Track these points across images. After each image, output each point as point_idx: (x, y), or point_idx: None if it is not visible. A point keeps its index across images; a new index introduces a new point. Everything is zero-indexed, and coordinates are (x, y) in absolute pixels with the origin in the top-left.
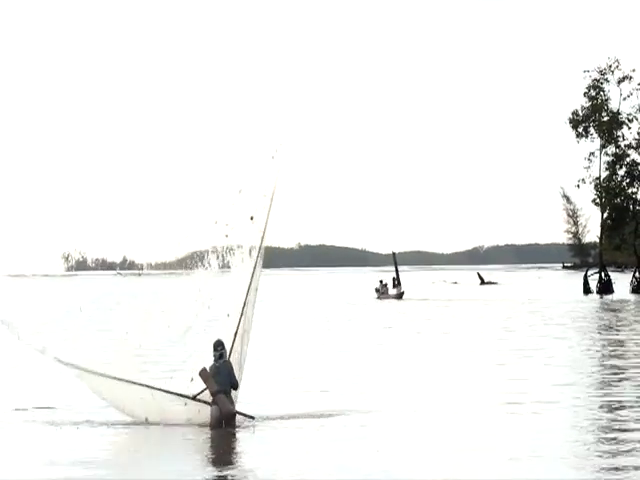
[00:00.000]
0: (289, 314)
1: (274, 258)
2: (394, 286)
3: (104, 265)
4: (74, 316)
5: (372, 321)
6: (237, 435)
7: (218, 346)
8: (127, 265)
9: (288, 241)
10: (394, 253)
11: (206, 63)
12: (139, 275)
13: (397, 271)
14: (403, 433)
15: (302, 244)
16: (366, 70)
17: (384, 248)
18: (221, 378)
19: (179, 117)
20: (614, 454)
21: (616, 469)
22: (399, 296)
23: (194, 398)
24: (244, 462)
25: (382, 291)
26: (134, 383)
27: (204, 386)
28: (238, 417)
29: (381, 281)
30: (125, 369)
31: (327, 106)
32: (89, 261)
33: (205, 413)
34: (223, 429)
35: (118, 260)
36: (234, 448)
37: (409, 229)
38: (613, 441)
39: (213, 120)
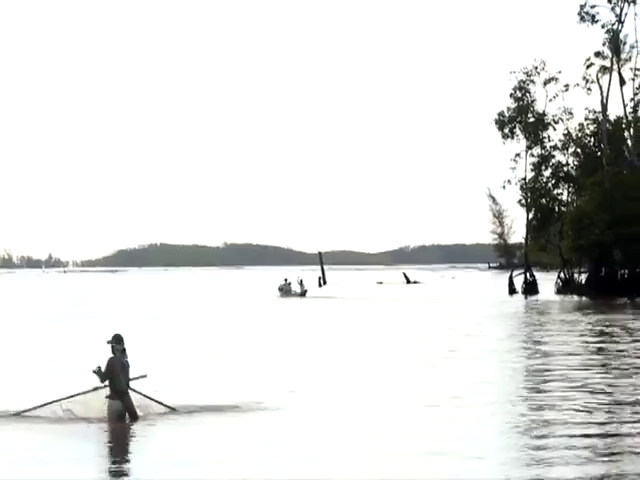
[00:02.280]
0: (183, 310)
1: (199, 256)
2: (320, 285)
3: (30, 262)
4: None
5: (259, 318)
6: (156, 425)
7: (121, 340)
8: (52, 262)
9: (214, 239)
10: (320, 252)
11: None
12: (64, 272)
13: (323, 270)
14: (318, 429)
15: (228, 242)
16: (290, 70)
17: (311, 247)
18: (126, 376)
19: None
20: (536, 448)
21: (537, 463)
22: (302, 294)
23: (97, 389)
24: (155, 454)
25: (286, 289)
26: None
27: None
28: (159, 408)
29: (285, 279)
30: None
31: (252, 103)
32: (14, 258)
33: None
34: (129, 422)
35: (44, 257)
36: (148, 441)
37: (336, 229)
38: (536, 439)
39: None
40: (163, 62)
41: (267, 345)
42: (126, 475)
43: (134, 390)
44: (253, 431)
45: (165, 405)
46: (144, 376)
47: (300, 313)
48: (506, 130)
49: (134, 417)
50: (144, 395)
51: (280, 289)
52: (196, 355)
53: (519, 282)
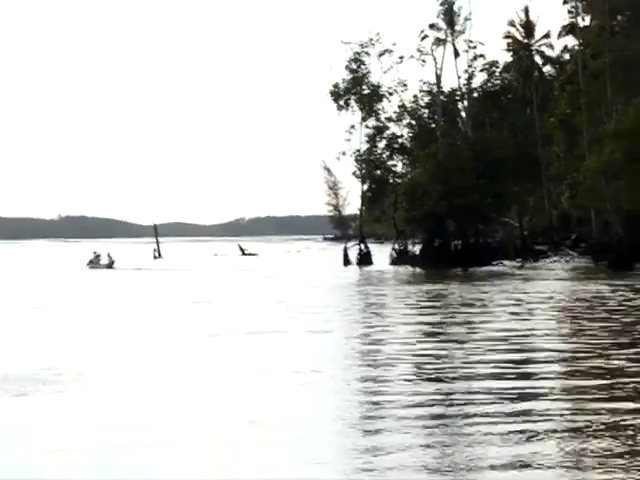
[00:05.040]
0: None
1: (33, 229)
2: (155, 258)
3: None
4: None
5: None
6: None
7: None
8: None
9: (48, 212)
10: (155, 225)
11: None
12: None
13: (158, 242)
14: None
15: (63, 215)
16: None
17: (146, 219)
18: None
19: None
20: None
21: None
22: (109, 266)
23: None
24: None
25: (95, 262)
26: None
27: None
28: None
29: (94, 252)
30: None
31: (92, 72)
32: None
33: None
34: None
35: None
36: None
37: (171, 201)
38: (372, 412)
39: None
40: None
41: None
42: None
43: None
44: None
45: None
46: None
47: (107, 284)
48: (341, 102)
49: None
50: None
51: (90, 262)
52: None
53: (354, 253)
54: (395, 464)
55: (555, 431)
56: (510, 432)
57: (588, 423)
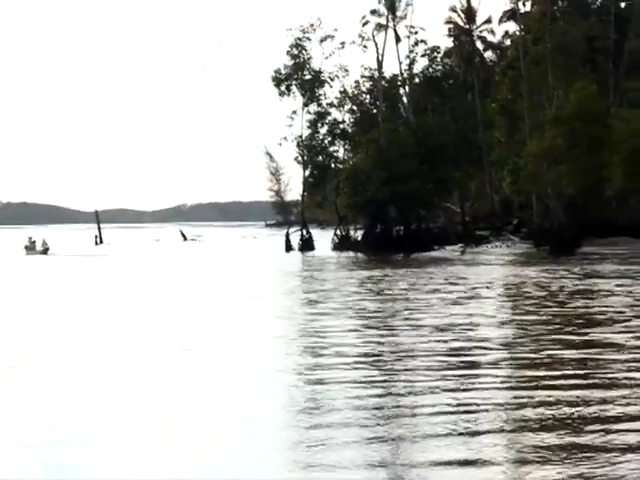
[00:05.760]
0: None
1: None
2: (96, 244)
3: None
4: None
5: None
6: None
7: None
8: None
9: None
10: (97, 211)
11: None
12: None
13: (100, 229)
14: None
15: (4, 201)
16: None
17: (87, 206)
18: None
19: None
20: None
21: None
22: (44, 252)
23: None
24: None
25: (30, 248)
26: None
27: None
28: None
29: (30, 238)
30: None
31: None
32: None
33: None
34: None
35: None
36: None
37: (113, 187)
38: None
39: None
40: None
41: None
42: None
43: None
44: None
45: None
46: None
47: (35, 271)
48: (283, 87)
49: None
50: None
51: (25, 247)
52: None
53: (296, 239)
54: (337, 459)
55: (497, 422)
56: (453, 423)
57: (530, 414)
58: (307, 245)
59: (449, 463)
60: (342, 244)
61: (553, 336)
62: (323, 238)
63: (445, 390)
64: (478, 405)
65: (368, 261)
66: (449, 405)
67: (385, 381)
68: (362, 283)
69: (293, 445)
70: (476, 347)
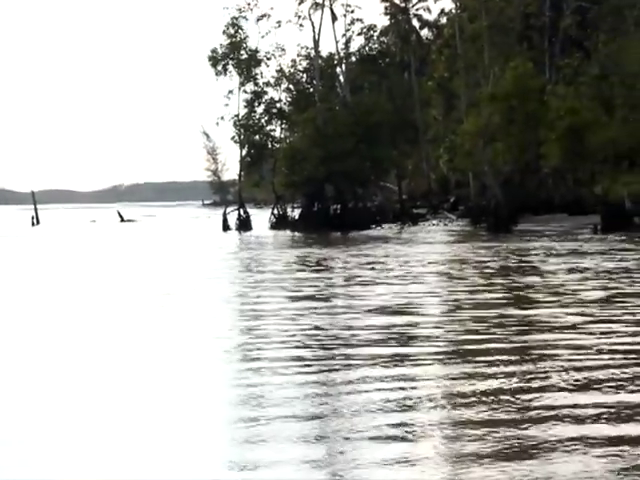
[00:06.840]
0: None
1: None
2: (33, 225)
3: None
4: None
5: None
6: None
7: None
8: None
9: None
10: (33, 192)
11: None
12: None
13: (36, 210)
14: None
15: None
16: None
17: (23, 186)
18: None
19: None
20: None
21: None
22: None
23: None
24: None
25: None
26: None
27: None
28: None
29: None
30: None
31: None
32: None
33: None
34: None
35: None
36: None
37: (49, 167)
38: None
39: None
40: None
41: None
42: None
43: None
44: None
45: None
46: None
47: None
48: (219, 67)
49: None
50: None
51: None
52: None
53: (233, 219)
54: (272, 434)
55: (435, 399)
56: (390, 400)
57: (468, 390)
58: (244, 225)
59: (385, 438)
60: (279, 223)
61: (495, 310)
62: (260, 217)
63: (385, 365)
64: (417, 379)
65: (305, 240)
66: (387, 379)
67: (324, 357)
68: (300, 261)
69: (230, 422)
70: (419, 323)
